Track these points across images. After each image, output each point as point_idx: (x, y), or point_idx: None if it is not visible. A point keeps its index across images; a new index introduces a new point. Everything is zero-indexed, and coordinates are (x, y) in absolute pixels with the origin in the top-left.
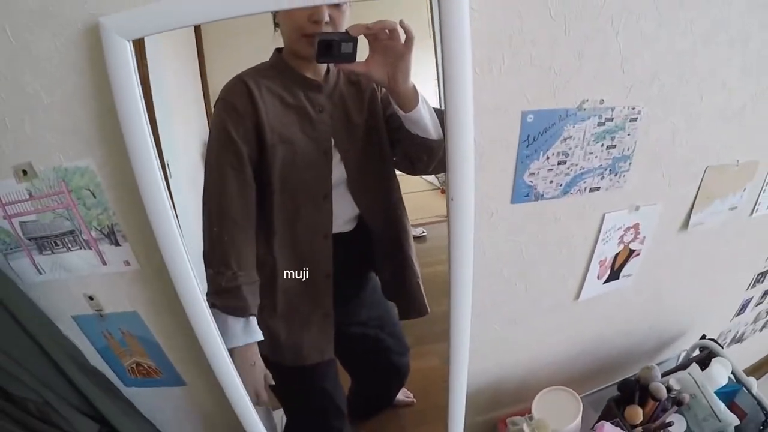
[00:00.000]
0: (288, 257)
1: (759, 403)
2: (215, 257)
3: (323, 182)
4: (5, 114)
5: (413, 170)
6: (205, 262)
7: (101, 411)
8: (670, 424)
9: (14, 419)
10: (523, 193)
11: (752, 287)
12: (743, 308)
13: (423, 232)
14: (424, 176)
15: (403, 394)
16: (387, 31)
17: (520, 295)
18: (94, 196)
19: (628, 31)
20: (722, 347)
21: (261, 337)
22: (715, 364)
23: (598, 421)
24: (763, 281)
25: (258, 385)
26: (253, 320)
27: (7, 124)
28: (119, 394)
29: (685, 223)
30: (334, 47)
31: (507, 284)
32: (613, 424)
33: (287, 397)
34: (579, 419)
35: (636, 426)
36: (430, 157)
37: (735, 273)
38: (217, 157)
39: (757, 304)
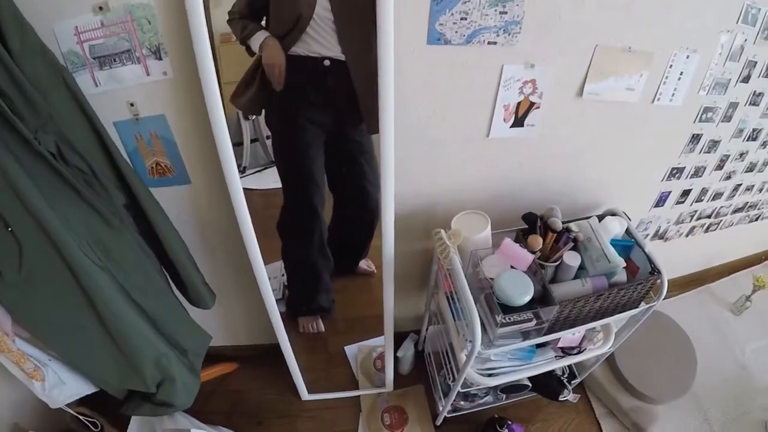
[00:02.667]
0: None
1: (648, 258)
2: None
3: None
4: None
5: None
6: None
7: (131, 186)
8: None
9: (68, 180)
10: (435, 37)
11: (668, 180)
12: (662, 201)
13: None
14: None
15: (365, 264)
16: None
17: (439, 123)
18: (150, 23)
19: None
20: (629, 219)
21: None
22: (611, 218)
23: None
24: (679, 177)
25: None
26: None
27: None
28: (143, 182)
29: (580, 91)
30: None
31: (427, 109)
32: None
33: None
34: (488, 230)
35: (535, 251)
36: None
37: (646, 159)
38: None
39: (678, 203)
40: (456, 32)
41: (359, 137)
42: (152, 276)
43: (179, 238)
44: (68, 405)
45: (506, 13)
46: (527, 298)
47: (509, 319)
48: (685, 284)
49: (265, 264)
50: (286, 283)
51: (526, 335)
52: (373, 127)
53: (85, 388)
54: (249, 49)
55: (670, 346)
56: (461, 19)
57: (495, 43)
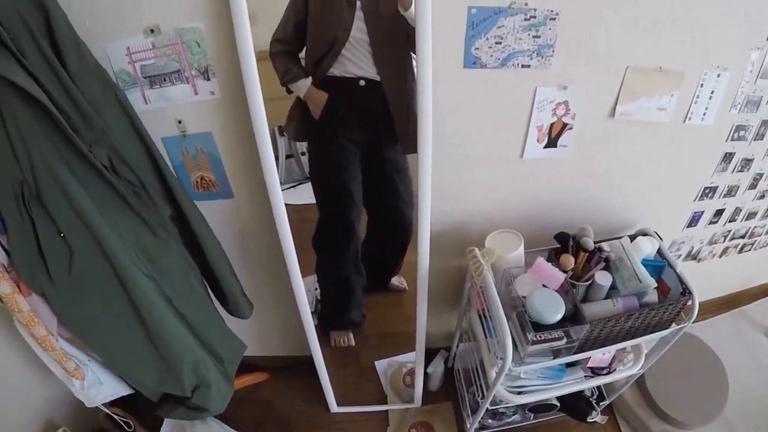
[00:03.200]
0: None
1: (680, 278)
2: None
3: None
4: None
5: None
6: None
7: (178, 199)
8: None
9: (119, 191)
10: (471, 61)
11: (700, 200)
12: (695, 221)
13: None
14: None
15: (397, 280)
16: None
17: (474, 143)
18: (199, 46)
19: None
20: (661, 239)
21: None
22: (643, 238)
23: None
24: (712, 196)
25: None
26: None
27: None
28: (189, 195)
29: (612, 111)
30: None
31: (463, 130)
32: None
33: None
34: (521, 249)
35: (567, 271)
36: None
37: (678, 178)
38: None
39: (711, 223)
40: (491, 56)
41: (394, 156)
42: (194, 285)
43: (221, 250)
44: (102, 404)
45: (539, 36)
46: (559, 317)
47: (540, 336)
48: (718, 306)
49: None
50: (318, 297)
51: (556, 353)
52: (408, 147)
53: (121, 389)
54: (288, 90)
55: (702, 369)
56: (496, 43)
57: (528, 66)
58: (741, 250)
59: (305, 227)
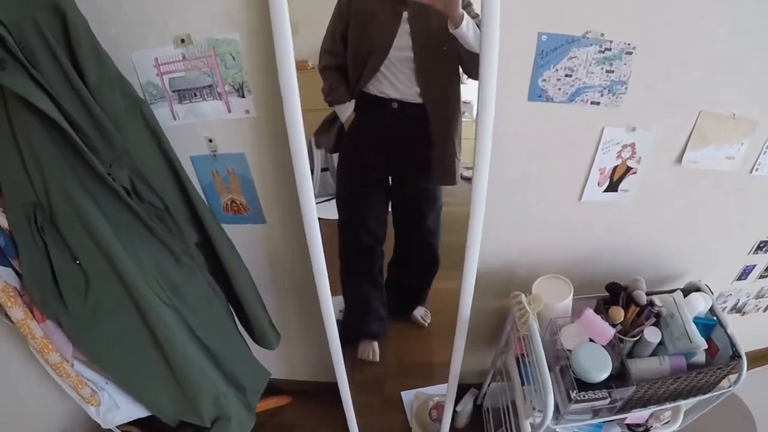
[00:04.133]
0: None
1: (730, 339)
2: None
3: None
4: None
5: (467, 72)
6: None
7: (204, 224)
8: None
9: (140, 217)
10: (537, 93)
11: (754, 253)
12: (745, 274)
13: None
14: None
15: (420, 314)
16: None
17: (532, 182)
18: (234, 60)
19: None
20: (712, 293)
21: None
22: (696, 294)
23: None
24: (766, 251)
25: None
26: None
27: (174, 7)
28: (216, 219)
29: (679, 158)
30: None
31: (521, 168)
32: None
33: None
34: (569, 299)
35: (616, 324)
36: (473, 63)
37: (735, 230)
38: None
39: (761, 277)
40: (559, 89)
41: (425, 185)
42: (219, 314)
43: (249, 278)
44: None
45: (613, 72)
46: (605, 376)
47: (584, 396)
48: (754, 359)
49: None
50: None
51: (596, 412)
52: (441, 177)
53: (138, 412)
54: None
55: (733, 424)
56: (566, 75)
57: (598, 103)
58: None
59: (337, 243)
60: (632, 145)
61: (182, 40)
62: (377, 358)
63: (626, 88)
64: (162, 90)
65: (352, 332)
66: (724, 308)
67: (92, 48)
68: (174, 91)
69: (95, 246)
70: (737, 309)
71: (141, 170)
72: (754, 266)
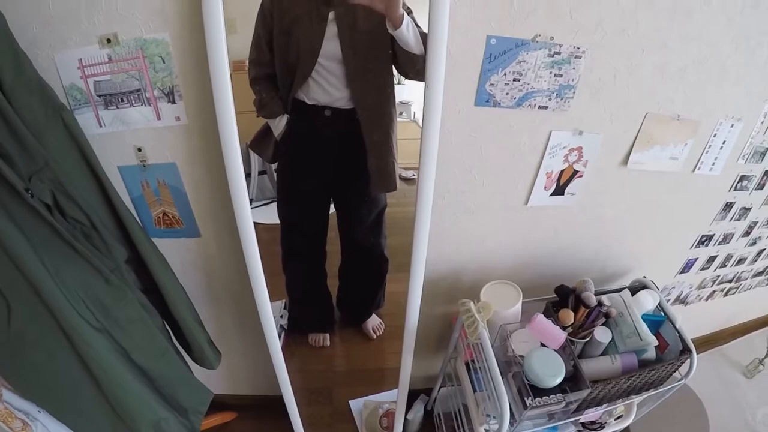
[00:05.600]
0: None
1: (679, 334)
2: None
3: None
4: None
5: (403, 73)
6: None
7: (134, 240)
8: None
9: (63, 237)
10: (484, 98)
11: (696, 247)
12: (688, 267)
13: (413, 174)
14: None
15: (372, 326)
16: None
17: (477, 188)
18: (164, 62)
19: None
20: (658, 289)
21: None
22: (644, 292)
23: None
24: (707, 244)
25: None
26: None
27: (102, 4)
28: (147, 234)
29: (625, 159)
30: None
31: (467, 174)
32: None
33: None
34: (519, 305)
35: (566, 327)
36: (411, 65)
37: (678, 226)
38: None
39: (703, 269)
40: (507, 94)
41: (366, 192)
42: (154, 335)
43: (184, 295)
44: None
45: (561, 76)
46: (559, 380)
47: (539, 402)
48: (698, 345)
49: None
50: (285, 318)
51: (551, 416)
52: (381, 185)
53: None
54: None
55: (683, 410)
56: (514, 80)
57: (546, 107)
58: (726, 294)
59: (276, 249)
60: (579, 149)
61: (108, 40)
62: (327, 343)
63: (574, 92)
64: (86, 94)
65: (299, 326)
66: (668, 300)
67: (9, 47)
68: (99, 96)
69: (15, 269)
70: (680, 300)
71: (64, 183)
72: (696, 259)
